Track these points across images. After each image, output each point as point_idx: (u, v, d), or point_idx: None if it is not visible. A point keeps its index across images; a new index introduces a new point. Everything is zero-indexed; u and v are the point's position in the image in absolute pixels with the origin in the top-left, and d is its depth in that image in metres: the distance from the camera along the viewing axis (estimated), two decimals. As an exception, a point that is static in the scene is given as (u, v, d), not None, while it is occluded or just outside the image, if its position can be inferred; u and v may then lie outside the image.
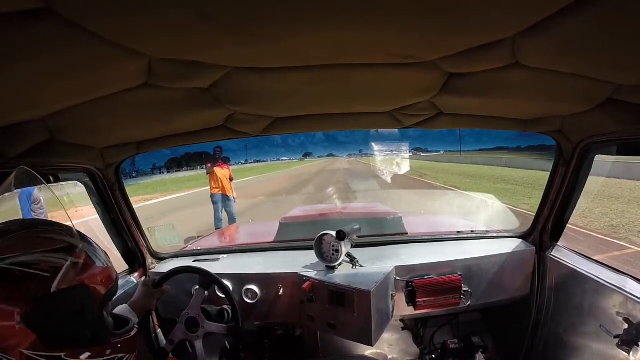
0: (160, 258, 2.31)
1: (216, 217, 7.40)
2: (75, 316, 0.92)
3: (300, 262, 2.09)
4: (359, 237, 2.16)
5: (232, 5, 0.66)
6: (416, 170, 20.81)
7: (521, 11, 0.73)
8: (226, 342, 1.93)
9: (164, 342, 1.83)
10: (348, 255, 2.02)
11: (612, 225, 7.80)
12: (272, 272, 2.06)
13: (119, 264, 2.00)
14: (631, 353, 1.44)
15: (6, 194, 1.11)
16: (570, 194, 1.94)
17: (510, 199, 10.71)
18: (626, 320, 1.48)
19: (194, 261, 2.24)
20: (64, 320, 0.90)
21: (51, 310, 0.88)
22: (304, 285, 1.89)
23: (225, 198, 7.40)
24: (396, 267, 1.99)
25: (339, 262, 1.98)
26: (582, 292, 1.77)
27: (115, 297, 1.75)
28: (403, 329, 2.47)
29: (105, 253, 1.06)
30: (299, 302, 1.97)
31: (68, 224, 1.01)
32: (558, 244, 2.09)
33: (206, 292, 1.81)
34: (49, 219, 2.13)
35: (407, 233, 2.69)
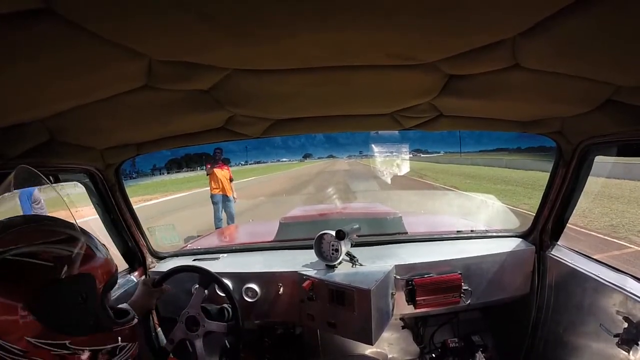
0: (160, 257, 2.32)
1: (216, 217, 7.41)
2: (78, 304, 0.95)
3: (300, 261, 2.10)
4: (358, 236, 2.16)
5: (232, 6, 0.66)
6: (416, 171, 20.79)
7: (521, 11, 0.73)
8: (226, 341, 1.93)
9: (164, 341, 1.83)
10: (348, 254, 2.02)
11: (611, 225, 7.80)
12: (272, 271, 2.06)
13: (119, 263, 1.99)
14: (631, 352, 1.44)
15: (6, 194, 1.12)
16: (570, 194, 1.94)
17: (510, 200, 10.71)
18: (626, 319, 1.49)
19: (194, 260, 2.24)
20: (68, 308, 0.94)
21: (56, 299, 0.91)
22: (304, 284, 1.89)
23: (225, 198, 7.41)
24: (396, 266, 1.99)
25: (338, 261, 1.98)
26: (582, 291, 1.78)
27: (116, 296, 1.79)
28: (403, 327, 2.47)
29: (105, 246, 1.09)
30: (299, 301, 1.97)
31: (70, 221, 1.03)
32: (558, 243, 2.09)
33: (206, 291, 1.81)
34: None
35: (407, 232, 2.69)
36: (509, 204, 9.22)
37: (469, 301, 2.02)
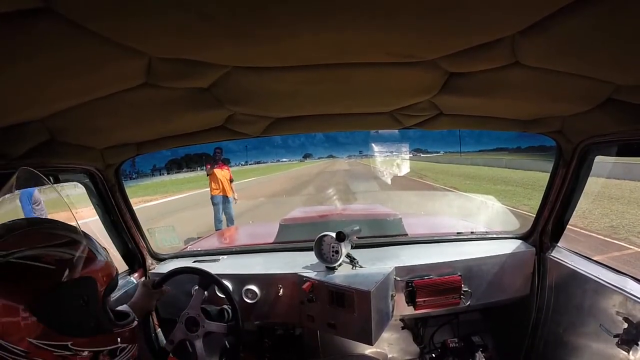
0: (160, 259, 2.31)
1: (216, 219, 7.39)
2: (80, 307, 0.97)
3: (300, 263, 2.09)
4: (359, 238, 2.16)
5: (232, 5, 0.66)
6: (416, 172, 20.78)
7: (521, 11, 0.73)
8: (226, 342, 1.92)
9: (164, 342, 1.83)
10: (348, 256, 2.02)
11: (612, 226, 7.79)
12: (272, 273, 2.06)
13: (119, 264, 1.99)
14: (631, 352, 1.44)
15: (7, 195, 1.13)
16: (570, 194, 1.94)
17: (510, 200, 10.71)
18: (626, 319, 1.48)
19: (194, 262, 2.24)
20: (69, 310, 0.95)
21: (58, 301, 0.92)
22: (304, 286, 1.89)
23: (225, 199, 7.40)
24: (396, 267, 1.99)
25: (338, 262, 1.98)
26: (582, 292, 1.77)
27: (115, 297, 1.78)
28: (403, 328, 2.47)
29: (105, 250, 1.10)
30: (299, 303, 1.97)
31: (72, 223, 1.05)
32: (558, 244, 2.09)
33: (206, 292, 1.81)
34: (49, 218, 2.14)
35: (407, 234, 2.69)
36: (509, 205, 9.22)
37: (469, 302, 2.02)
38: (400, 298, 2.00)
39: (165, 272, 1.87)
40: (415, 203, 9.23)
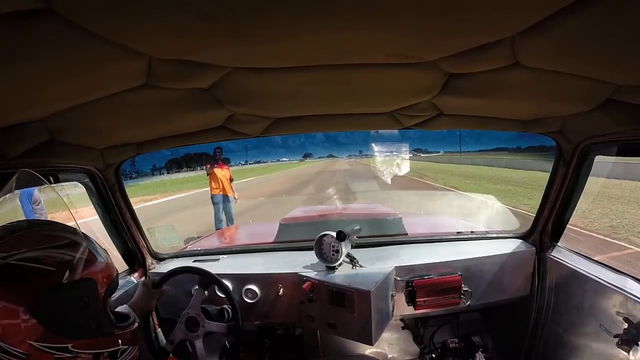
0: (160, 258, 2.31)
1: (216, 218, 7.39)
2: (80, 308, 0.96)
3: (300, 263, 2.09)
4: (359, 237, 2.16)
5: (232, 5, 0.66)
6: (416, 171, 20.77)
7: (521, 11, 0.73)
8: (226, 342, 1.92)
9: (164, 342, 1.83)
10: (348, 255, 2.02)
11: (612, 226, 7.80)
12: (272, 272, 2.06)
13: (119, 264, 1.99)
14: (631, 352, 1.44)
15: (7, 195, 1.13)
16: (570, 194, 1.94)
17: (510, 200, 10.71)
18: (626, 319, 1.49)
19: (194, 261, 2.24)
20: (70, 312, 0.95)
21: (58, 303, 0.92)
22: (304, 286, 1.89)
23: (225, 199, 7.40)
24: (396, 267, 1.99)
25: (339, 262, 1.98)
26: (582, 292, 1.78)
27: (116, 297, 1.78)
28: (403, 328, 2.47)
29: (105, 251, 1.10)
30: (299, 302, 1.97)
31: (71, 223, 1.05)
32: (558, 244, 2.09)
33: (206, 292, 1.81)
34: (49, 219, 2.14)
35: (407, 234, 2.69)
36: (509, 204, 9.22)
37: (469, 302, 2.02)
38: (400, 298, 2.00)
39: (165, 271, 1.87)
40: (415, 202, 9.22)
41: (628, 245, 6.47)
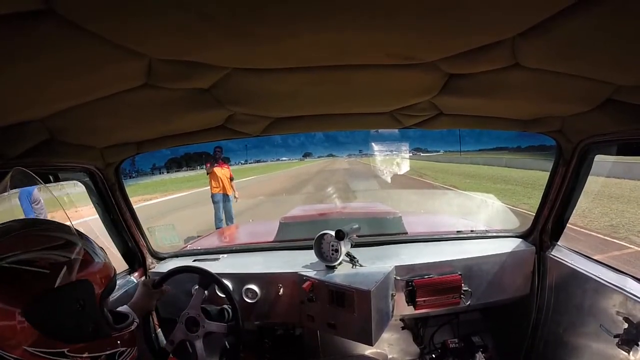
0: (160, 258, 2.31)
1: (217, 217, 7.40)
2: (76, 311, 0.94)
3: (300, 262, 2.09)
4: (358, 236, 2.16)
5: (232, 5, 0.66)
6: (416, 170, 20.75)
7: (521, 12, 0.73)
8: (226, 342, 1.93)
9: (164, 342, 1.83)
10: (348, 254, 2.02)
11: (611, 225, 7.80)
12: (272, 272, 2.06)
13: (119, 263, 2.00)
14: (631, 352, 1.44)
15: (6, 194, 1.12)
16: (570, 193, 1.94)
17: (510, 199, 10.71)
18: (626, 319, 1.49)
19: (194, 261, 2.24)
20: (66, 315, 0.93)
21: (53, 306, 0.90)
22: (304, 285, 1.89)
23: (226, 198, 7.40)
24: (396, 266, 1.99)
25: (338, 261, 1.98)
26: (582, 291, 1.78)
27: (115, 297, 1.79)
28: (403, 328, 2.47)
29: (103, 250, 1.08)
30: (299, 302, 1.97)
31: (67, 223, 1.03)
32: (558, 243, 2.09)
33: (206, 292, 1.81)
34: (49, 218, 2.14)
35: (407, 233, 2.69)
36: (509, 203, 9.21)
37: (469, 302, 2.02)
38: (400, 297, 2.00)
39: (165, 271, 1.87)
40: (415, 201, 9.20)
41: (628, 245, 6.48)
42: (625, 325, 1.48)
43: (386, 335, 2.45)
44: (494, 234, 2.38)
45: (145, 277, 2.16)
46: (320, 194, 13.09)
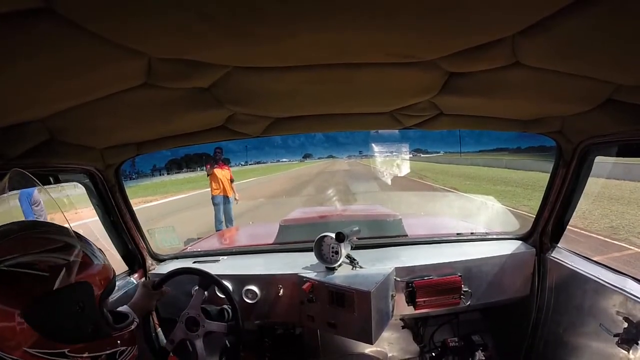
0: (160, 259, 2.31)
1: (217, 219, 7.37)
2: (76, 313, 0.94)
3: (300, 264, 2.09)
4: (359, 238, 2.16)
5: (232, 5, 0.66)
6: (416, 172, 20.73)
7: (521, 11, 0.73)
8: (226, 341, 1.93)
9: (164, 341, 1.83)
10: (348, 256, 2.02)
11: (611, 227, 7.79)
12: (272, 273, 2.06)
13: (119, 265, 1.99)
14: (631, 351, 1.44)
15: (5, 195, 1.12)
16: (570, 195, 1.94)
17: (510, 201, 10.70)
18: (626, 319, 1.49)
19: (194, 262, 2.24)
20: (65, 317, 0.93)
21: (53, 308, 0.90)
22: (304, 286, 1.89)
23: (226, 199, 7.39)
24: (396, 268, 1.99)
25: (338, 263, 1.98)
26: (582, 292, 1.77)
27: (115, 298, 1.78)
28: (403, 327, 2.47)
29: (102, 252, 1.08)
30: (299, 303, 1.97)
31: (65, 225, 1.02)
32: (558, 245, 2.09)
33: (206, 293, 1.82)
34: (48, 220, 2.14)
35: (407, 235, 2.69)
36: (509, 205, 9.22)
37: (469, 302, 2.02)
38: (401, 298, 2.00)
39: (165, 272, 1.87)
40: (415, 204, 9.20)
41: (628, 246, 6.47)
42: (625, 325, 1.48)
43: (386, 334, 2.45)
44: (494, 236, 2.38)
45: (145, 279, 2.16)
46: (320, 196, 13.10)
